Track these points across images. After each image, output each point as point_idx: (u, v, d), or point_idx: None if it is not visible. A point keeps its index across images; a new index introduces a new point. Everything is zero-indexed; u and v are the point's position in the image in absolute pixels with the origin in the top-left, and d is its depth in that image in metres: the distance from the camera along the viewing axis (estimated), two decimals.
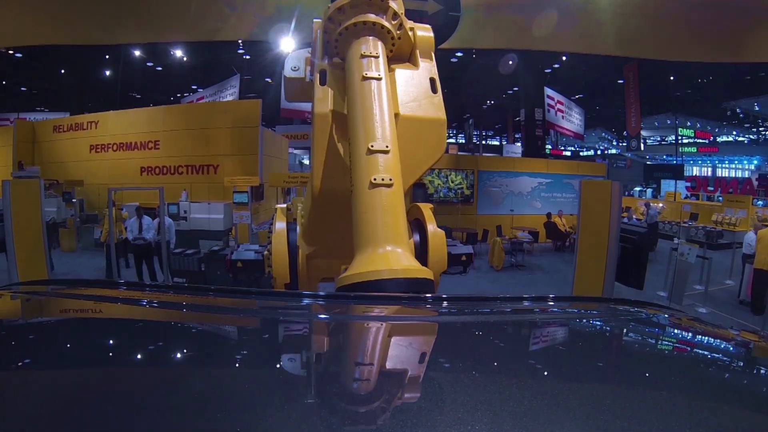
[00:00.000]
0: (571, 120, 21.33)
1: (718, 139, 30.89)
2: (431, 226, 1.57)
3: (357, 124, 1.12)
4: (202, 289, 0.97)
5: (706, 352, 0.73)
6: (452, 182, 10.73)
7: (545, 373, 0.57)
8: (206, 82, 20.81)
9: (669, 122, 27.07)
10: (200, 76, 21.66)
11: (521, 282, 8.16)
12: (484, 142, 33.30)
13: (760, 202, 16.79)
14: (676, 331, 0.82)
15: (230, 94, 18.79)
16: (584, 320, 0.86)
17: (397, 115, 1.22)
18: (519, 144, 24.02)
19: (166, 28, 10.07)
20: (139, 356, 0.59)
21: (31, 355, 0.57)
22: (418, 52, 1.37)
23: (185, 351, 0.62)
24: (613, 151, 36.05)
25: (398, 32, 1.31)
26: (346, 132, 1.19)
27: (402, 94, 1.29)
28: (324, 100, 1.26)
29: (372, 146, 1.07)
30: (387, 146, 1.08)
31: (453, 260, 1.86)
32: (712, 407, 0.48)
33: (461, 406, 0.43)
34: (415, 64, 1.36)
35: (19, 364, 0.54)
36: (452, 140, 34.64)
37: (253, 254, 2.51)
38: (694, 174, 32.29)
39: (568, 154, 34.21)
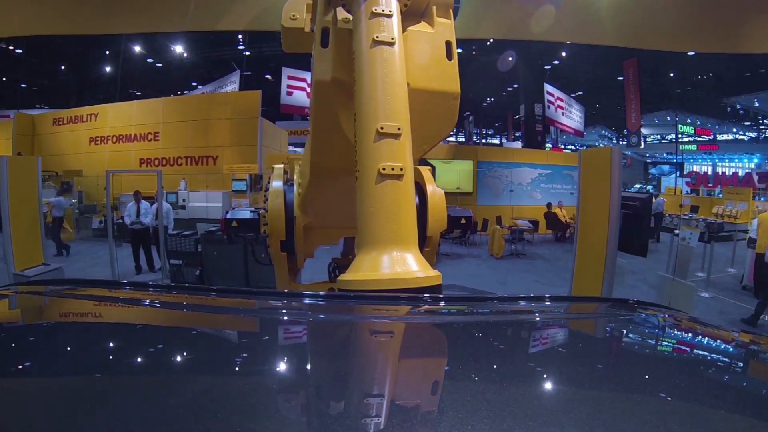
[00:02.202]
0: (571, 117, 21.31)
1: (719, 137, 30.92)
2: (431, 187, 1.53)
3: (364, 99, 0.97)
4: (202, 290, 0.96)
5: (704, 352, 0.73)
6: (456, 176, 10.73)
7: (545, 374, 0.57)
8: (206, 78, 20.83)
9: (669, 119, 27.11)
10: (200, 72, 21.71)
11: (521, 269, 8.10)
12: (483, 140, 33.28)
13: (762, 198, 16.75)
14: (675, 331, 0.82)
15: (230, 90, 18.81)
16: (584, 320, 0.86)
17: (407, 85, 1.05)
18: (519, 142, 24.02)
19: (165, 18, 10.06)
20: (139, 357, 0.59)
21: (31, 355, 0.57)
22: (434, 8, 1.17)
23: (185, 351, 0.61)
24: None
25: None
26: (351, 103, 1.04)
27: (414, 60, 1.11)
28: (325, 65, 1.08)
29: (381, 128, 0.94)
30: (399, 129, 0.95)
31: (452, 223, 1.82)
32: (710, 407, 0.48)
33: (462, 406, 0.43)
34: (431, 23, 1.17)
35: (19, 364, 0.54)
36: (452, 138, 34.64)
37: (249, 213, 2.47)
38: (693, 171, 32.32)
39: (568, 152, 34.16)
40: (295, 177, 1.87)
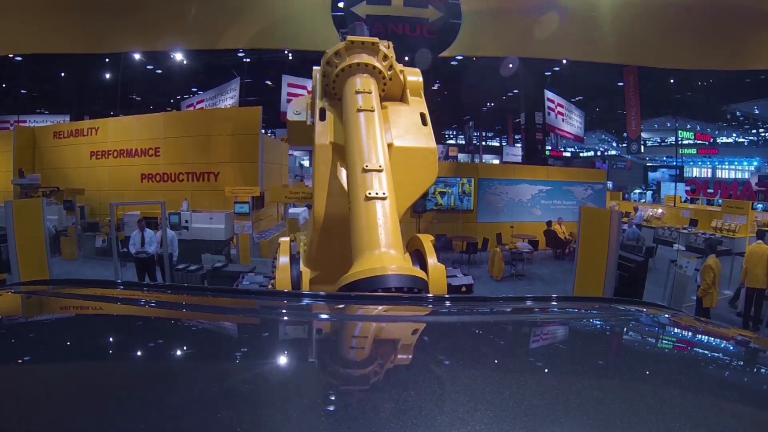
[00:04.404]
0: (572, 122, 21.32)
1: (718, 140, 30.89)
2: (431, 260, 1.62)
3: (353, 148, 1.22)
4: (202, 289, 0.97)
5: (705, 352, 0.73)
6: (459, 189, 10.82)
7: (546, 373, 0.56)
8: (206, 84, 20.78)
9: (669, 125, 27.09)
10: (200, 79, 21.65)
11: (521, 292, 8.20)
12: (484, 143, 33.27)
13: (760, 206, 16.79)
14: (676, 330, 0.82)
15: (230, 97, 18.79)
16: (584, 320, 0.85)
17: (390, 145, 1.31)
18: (519, 145, 24.04)
19: (166, 37, 10.06)
20: (138, 356, 0.58)
21: (30, 354, 0.57)
22: (408, 92, 1.53)
23: (184, 351, 0.61)
24: (613, 152, 36.07)
25: (389, 72, 1.47)
26: (343, 159, 1.29)
27: (395, 127, 1.40)
28: (324, 133, 1.37)
29: (366, 166, 1.15)
30: (380, 166, 1.16)
31: (453, 292, 1.91)
32: (712, 406, 0.48)
33: (461, 406, 0.43)
34: (406, 102, 1.52)
35: (18, 363, 0.54)
36: (452, 141, 34.61)
37: (258, 287, 2.59)
38: (694, 175, 32.31)
39: (568, 155, 34.21)
40: (301, 244, 1.99)
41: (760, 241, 6.73)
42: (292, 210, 13.84)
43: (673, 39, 10.47)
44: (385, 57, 1.46)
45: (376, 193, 1.11)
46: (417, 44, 10.56)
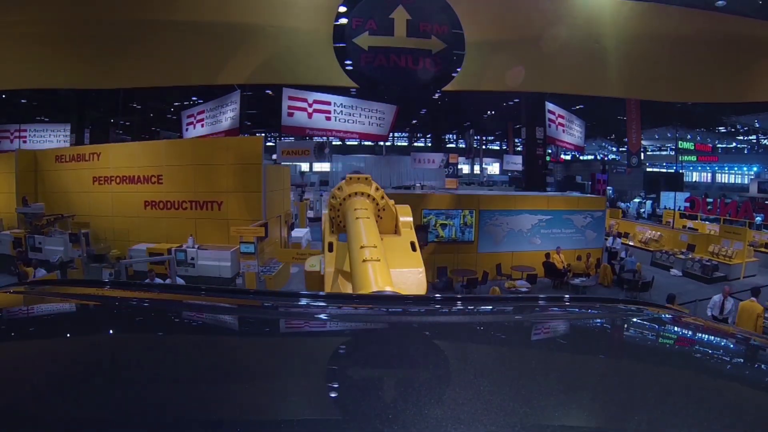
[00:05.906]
0: (572, 133, 21.30)
1: (718, 145, 30.87)
2: None
3: (353, 239, 1.49)
4: (202, 290, 1.00)
5: (708, 351, 0.73)
6: (461, 221, 10.95)
7: (546, 373, 0.56)
8: (207, 92, 20.67)
9: (669, 135, 27.04)
10: (200, 88, 21.49)
11: None
12: (484, 147, 33.21)
13: (759, 218, 16.93)
14: (677, 329, 0.82)
15: (231, 109, 18.74)
16: (585, 320, 0.85)
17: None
18: (520, 148, 23.98)
19: (164, 73, 10.04)
20: (138, 355, 0.59)
21: (28, 352, 0.58)
22: (400, 225, 1.83)
23: (184, 350, 0.62)
24: (613, 156, 36.07)
25: (381, 201, 1.76)
26: (347, 278, 1.56)
27: (389, 255, 1.68)
28: (331, 262, 1.67)
29: (362, 245, 1.42)
30: (374, 245, 1.43)
31: None
32: (714, 405, 0.49)
33: (462, 406, 0.43)
34: (399, 234, 1.85)
35: (18, 362, 0.55)
36: (452, 144, 34.59)
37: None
38: (694, 180, 32.35)
39: (568, 158, 34.27)
40: None
41: (754, 298, 6.90)
42: (294, 234, 14.02)
43: (680, 73, 10.48)
44: (378, 188, 1.80)
45: (371, 258, 1.33)
46: (420, 77, 10.57)
